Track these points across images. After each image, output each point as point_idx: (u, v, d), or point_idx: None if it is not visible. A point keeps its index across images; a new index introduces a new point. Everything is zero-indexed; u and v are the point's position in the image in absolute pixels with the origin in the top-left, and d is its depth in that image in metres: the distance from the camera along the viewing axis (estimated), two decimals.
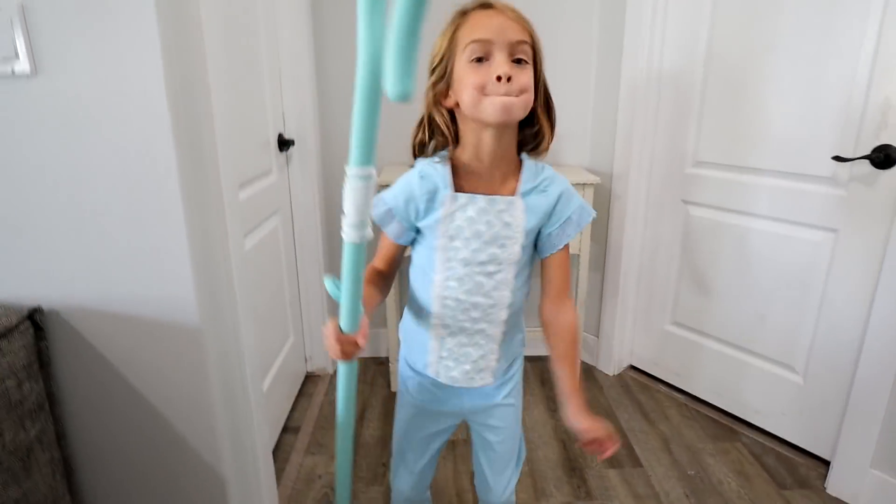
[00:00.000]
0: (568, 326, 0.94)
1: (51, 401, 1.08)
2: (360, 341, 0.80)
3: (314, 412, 2.00)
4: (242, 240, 1.29)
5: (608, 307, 2.22)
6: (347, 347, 0.81)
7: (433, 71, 0.85)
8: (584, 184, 1.92)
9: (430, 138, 0.90)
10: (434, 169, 0.89)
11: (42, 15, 0.89)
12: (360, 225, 0.69)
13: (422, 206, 0.89)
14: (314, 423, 1.93)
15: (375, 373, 2.26)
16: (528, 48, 0.80)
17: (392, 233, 0.93)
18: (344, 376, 0.90)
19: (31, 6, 0.89)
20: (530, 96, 0.81)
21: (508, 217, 0.88)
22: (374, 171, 0.63)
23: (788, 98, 1.62)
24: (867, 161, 1.46)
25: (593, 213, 0.93)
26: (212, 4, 1.07)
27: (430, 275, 0.93)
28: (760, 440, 1.82)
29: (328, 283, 0.79)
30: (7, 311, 0.99)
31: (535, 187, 0.89)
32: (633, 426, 1.90)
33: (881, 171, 1.45)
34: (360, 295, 0.78)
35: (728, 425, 1.90)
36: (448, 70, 0.83)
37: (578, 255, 2.01)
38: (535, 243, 0.94)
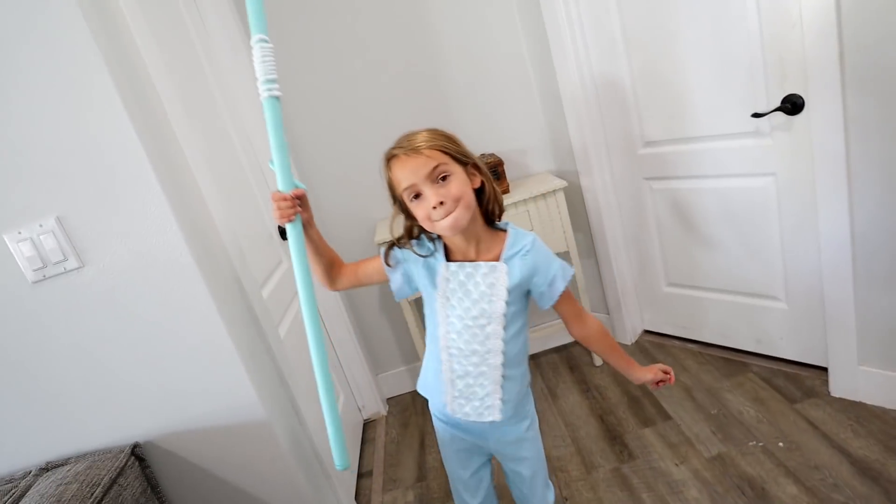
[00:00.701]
0: (596, 333, 1.17)
1: None
2: (292, 199, 1.00)
3: (380, 454, 2.25)
4: (276, 330, 1.54)
5: (609, 286, 2.45)
6: (283, 204, 1.00)
7: (394, 202, 1.09)
8: (554, 190, 2.15)
9: (410, 236, 1.14)
10: (431, 244, 1.12)
11: (75, 221, 1.15)
12: (269, 81, 0.95)
13: (424, 272, 1.12)
14: (383, 463, 2.18)
15: (424, 402, 2.50)
16: (443, 166, 0.99)
17: (395, 279, 1.16)
18: (292, 239, 1.03)
19: (64, 216, 1.14)
20: (468, 197, 1.02)
21: (492, 279, 1.07)
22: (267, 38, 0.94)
23: (702, 70, 1.84)
24: (780, 112, 1.68)
25: (572, 270, 1.13)
26: (197, 147, 1.34)
27: (436, 329, 1.14)
28: (768, 365, 2.04)
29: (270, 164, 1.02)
30: (115, 453, 1.24)
31: (517, 253, 1.08)
32: None
33: (793, 117, 1.67)
34: (287, 152, 1.01)
35: (738, 360, 2.12)
36: (403, 205, 1.07)
37: (567, 250, 2.23)
38: (530, 296, 1.13)
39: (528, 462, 1.26)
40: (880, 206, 1.54)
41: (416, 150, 0.99)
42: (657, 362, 2.22)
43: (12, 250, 1.14)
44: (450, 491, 1.91)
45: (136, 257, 1.18)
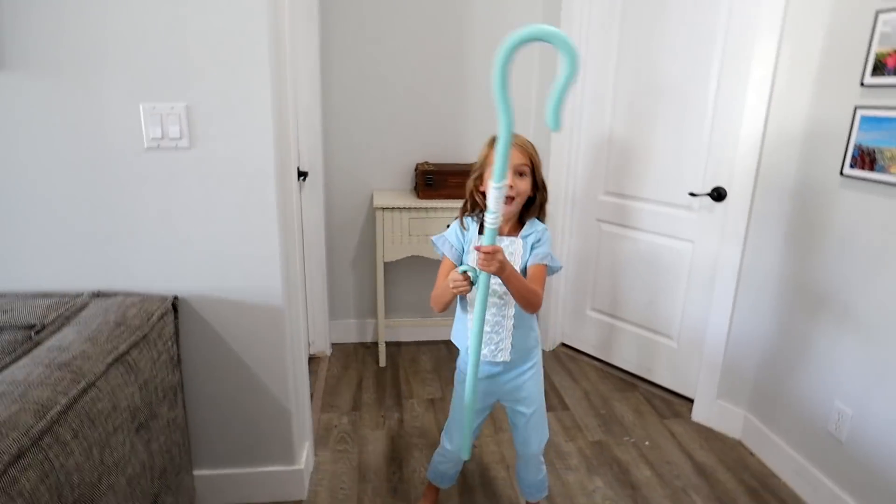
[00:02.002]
0: (536, 302, 1.41)
1: (180, 359, 1.62)
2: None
3: (321, 384, 2.57)
4: (302, 244, 1.87)
5: (545, 300, 2.91)
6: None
7: (475, 171, 1.44)
8: None
9: (472, 207, 1.47)
10: (472, 221, 1.48)
11: (197, 112, 1.45)
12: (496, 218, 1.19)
13: (465, 240, 1.47)
14: (322, 391, 2.50)
15: (365, 354, 2.85)
16: (526, 167, 1.38)
17: (450, 255, 1.47)
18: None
19: (192, 106, 1.44)
20: (524, 197, 1.40)
21: (512, 249, 1.43)
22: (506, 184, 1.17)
23: (664, 150, 2.37)
24: (708, 196, 2.21)
25: (561, 265, 1.50)
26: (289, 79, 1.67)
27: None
28: (651, 389, 2.56)
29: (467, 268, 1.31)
30: (160, 298, 1.53)
31: (531, 233, 1.45)
32: (564, 384, 2.59)
33: (716, 202, 2.20)
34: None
35: (630, 381, 2.63)
36: (482, 173, 1.41)
37: None
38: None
39: (527, 400, 1.54)
40: (758, 282, 2.09)
41: (519, 146, 1.36)
42: (568, 370, 2.71)
43: (142, 119, 1.42)
44: (379, 422, 2.27)
45: (234, 152, 1.49)
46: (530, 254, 1.45)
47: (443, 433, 1.67)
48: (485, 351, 1.46)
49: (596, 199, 2.68)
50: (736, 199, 2.11)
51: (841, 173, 1.72)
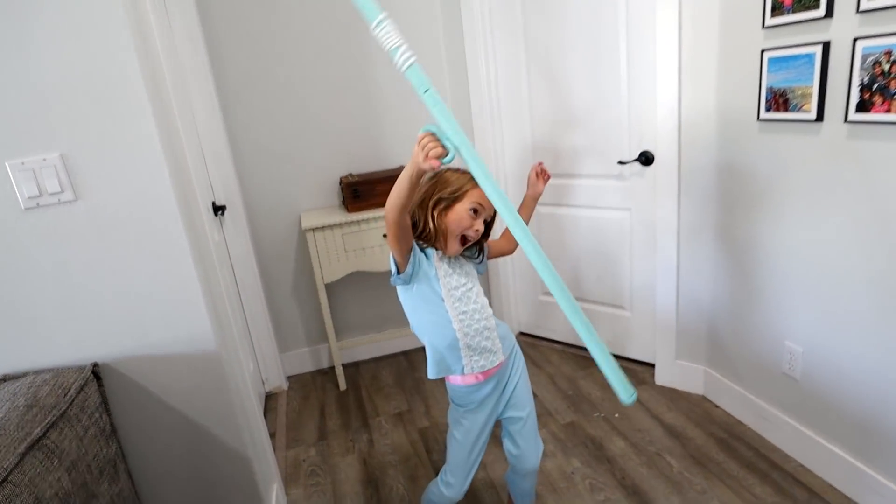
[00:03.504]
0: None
1: (114, 429, 1.49)
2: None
3: (282, 420, 2.45)
4: (221, 280, 1.76)
5: (495, 294, 2.89)
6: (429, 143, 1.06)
7: (443, 196, 1.32)
8: None
9: (420, 229, 1.36)
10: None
11: (76, 160, 1.33)
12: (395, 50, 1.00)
13: (424, 260, 1.35)
14: (286, 427, 2.39)
15: (324, 381, 2.75)
16: (491, 214, 1.36)
17: (416, 260, 1.34)
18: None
19: (68, 154, 1.32)
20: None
21: (464, 260, 1.42)
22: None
23: (588, 124, 2.37)
24: (637, 162, 2.23)
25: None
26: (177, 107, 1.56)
27: (441, 306, 1.35)
28: None
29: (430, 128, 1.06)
30: (77, 368, 1.40)
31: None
32: (528, 372, 2.56)
33: (645, 167, 2.22)
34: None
35: (591, 357, 2.63)
36: (453, 201, 1.32)
37: None
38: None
39: (522, 404, 1.50)
40: (697, 239, 2.12)
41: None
42: (530, 358, 2.69)
43: (12, 178, 1.28)
44: (349, 447, 2.19)
45: (126, 197, 1.37)
46: (482, 261, 1.47)
47: (439, 479, 1.56)
48: (482, 362, 1.39)
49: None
50: (664, 161, 2.13)
51: (758, 118, 1.75)
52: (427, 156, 1.04)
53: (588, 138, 2.38)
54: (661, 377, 2.36)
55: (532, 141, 2.58)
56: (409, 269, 1.33)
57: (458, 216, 1.32)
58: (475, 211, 1.31)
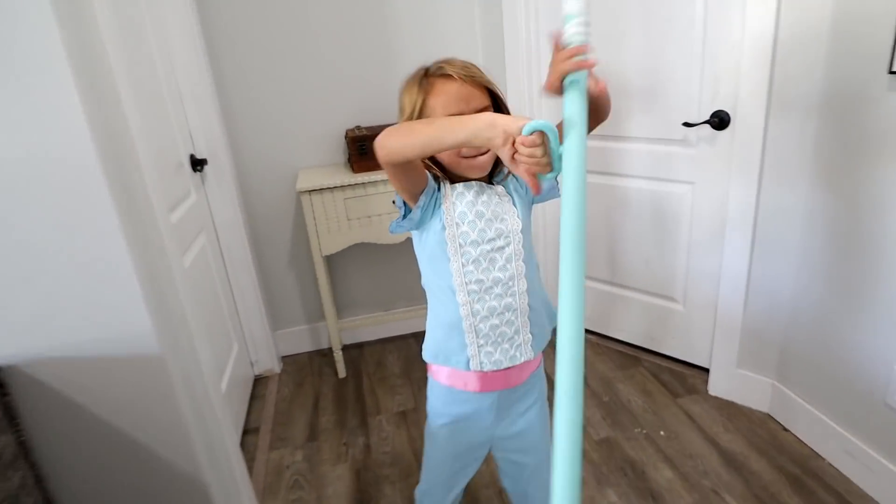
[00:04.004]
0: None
1: (26, 449, 1.17)
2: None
3: (269, 410, 2.14)
4: (181, 259, 1.40)
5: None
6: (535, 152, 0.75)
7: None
8: None
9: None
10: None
11: None
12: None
13: (429, 202, 0.95)
14: (272, 421, 2.08)
15: (322, 364, 2.42)
16: (489, 106, 0.93)
17: (421, 201, 0.94)
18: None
19: None
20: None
21: (499, 197, 0.98)
22: None
23: (645, 77, 1.91)
24: (707, 125, 1.77)
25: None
26: (114, 39, 1.17)
27: (447, 268, 0.97)
28: (657, 362, 2.18)
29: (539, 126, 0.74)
30: None
31: (501, 179, 1.01)
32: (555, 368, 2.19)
33: (718, 132, 1.77)
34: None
35: (632, 354, 2.25)
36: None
37: None
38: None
39: (533, 447, 1.12)
40: (782, 227, 1.68)
41: (473, 80, 0.91)
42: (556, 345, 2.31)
43: None
44: (342, 453, 1.87)
45: (27, 151, 1.01)
46: (523, 192, 1.02)
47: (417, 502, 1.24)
48: (497, 356, 1.01)
49: None
50: (744, 124, 1.67)
51: (890, 71, 1.29)
52: (522, 165, 0.76)
53: (646, 91, 1.92)
54: (717, 386, 1.97)
55: None
56: (416, 212, 0.95)
57: None
58: None
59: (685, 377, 2.08)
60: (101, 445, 1.23)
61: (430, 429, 1.14)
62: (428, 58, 1.03)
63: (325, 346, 2.53)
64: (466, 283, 0.97)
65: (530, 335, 1.02)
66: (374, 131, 2.10)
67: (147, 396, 1.22)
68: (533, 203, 1.06)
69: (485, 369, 1.02)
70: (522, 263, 0.99)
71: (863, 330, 1.49)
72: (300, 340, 2.51)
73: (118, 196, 1.09)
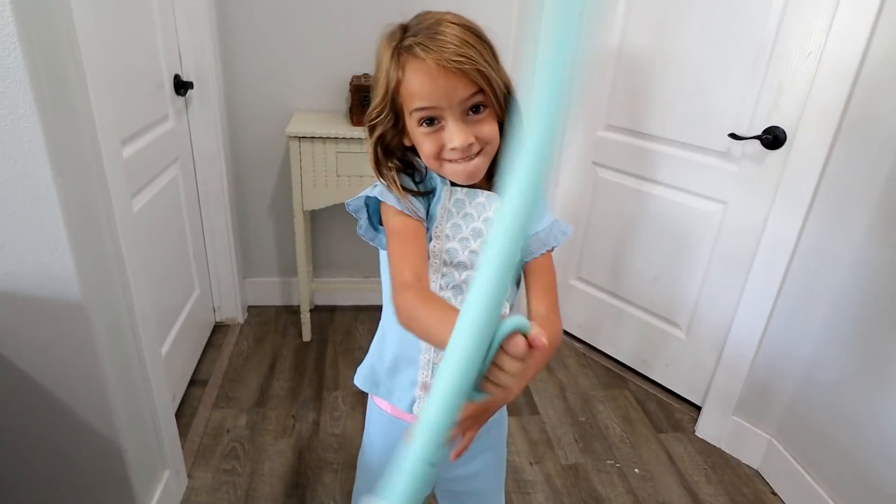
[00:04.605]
0: (555, 334, 0.80)
1: None
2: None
3: (223, 363, 1.98)
4: (130, 200, 1.21)
5: None
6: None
7: (376, 111, 0.74)
8: None
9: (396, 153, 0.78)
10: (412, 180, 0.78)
11: None
12: None
13: (424, 203, 0.77)
14: (223, 376, 1.92)
15: (287, 322, 2.25)
16: (481, 95, 0.69)
17: (407, 209, 0.73)
18: None
19: None
20: (495, 143, 0.73)
21: (490, 211, 0.79)
22: None
23: (694, 73, 1.67)
24: (758, 140, 1.55)
25: (571, 229, 0.86)
26: None
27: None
28: (645, 387, 2.00)
29: None
30: None
31: None
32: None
33: (769, 150, 1.54)
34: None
35: (619, 373, 2.07)
36: (398, 119, 0.74)
37: None
38: None
39: (483, 496, 0.96)
40: (821, 272, 1.47)
41: (457, 62, 0.66)
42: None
43: None
44: (287, 427, 1.71)
45: None
46: (539, 230, 0.82)
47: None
48: (415, 392, 0.84)
49: (593, 135, 2.00)
50: (802, 146, 1.45)
51: None
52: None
53: (691, 89, 1.69)
54: (706, 429, 1.80)
55: (615, 72, 1.88)
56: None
57: (417, 143, 0.74)
58: (429, 120, 0.71)
59: (672, 410, 1.90)
60: (7, 391, 1.07)
61: (363, 459, 0.96)
62: (451, 2, 0.80)
63: (295, 303, 2.35)
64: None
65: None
66: None
67: (63, 344, 1.06)
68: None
69: (405, 408, 0.85)
70: (505, 303, 0.80)
71: (885, 410, 1.30)
72: (270, 292, 2.34)
73: (46, 109, 0.89)
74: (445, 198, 0.78)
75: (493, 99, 0.71)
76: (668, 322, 1.93)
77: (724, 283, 1.73)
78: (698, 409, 1.86)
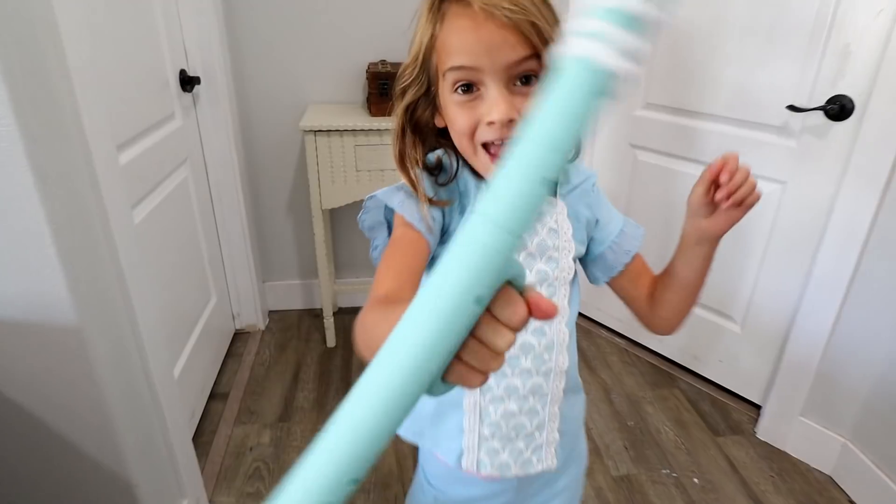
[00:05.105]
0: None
1: None
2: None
3: (244, 375, 1.88)
4: (129, 209, 1.09)
5: None
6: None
7: (408, 71, 0.61)
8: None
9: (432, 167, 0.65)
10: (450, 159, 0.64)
11: None
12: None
13: (448, 214, 0.64)
14: (244, 388, 1.82)
15: (310, 326, 2.15)
16: (534, 61, 0.55)
17: (417, 218, 0.60)
18: None
19: None
20: None
21: (552, 220, 0.67)
22: None
23: (744, 40, 1.50)
24: (821, 112, 1.38)
25: (643, 229, 0.76)
26: None
27: None
28: (697, 385, 1.85)
29: None
30: None
31: (576, 187, 0.69)
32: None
33: (834, 123, 1.38)
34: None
35: (667, 371, 1.92)
36: (430, 88, 0.61)
37: None
38: (585, 266, 0.75)
39: None
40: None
41: (509, 10, 0.52)
42: (581, 349, 1.98)
43: None
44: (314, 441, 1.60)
45: None
46: (610, 242, 0.73)
47: None
48: (504, 456, 0.71)
49: (630, 115, 1.84)
50: (876, 117, 1.28)
51: None
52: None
53: (742, 55, 1.52)
54: (767, 430, 1.64)
55: (649, 60, 1.71)
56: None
57: (449, 117, 0.60)
58: (465, 86, 0.57)
59: (729, 411, 1.75)
60: (2, 424, 0.97)
61: (416, 499, 0.83)
62: None
63: (318, 305, 2.24)
64: None
65: (557, 434, 0.72)
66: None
67: (60, 373, 0.96)
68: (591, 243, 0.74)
69: (483, 471, 0.71)
70: (566, 329, 0.70)
71: None
72: (292, 296, 2.23)
73: (23, 108, 0.78)
74: (473, 197, 0.64)
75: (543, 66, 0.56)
76: (720, 314, 1.78)
77: (785, 271, 1.57)
78: (758, 408, 1.71)
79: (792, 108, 1.42)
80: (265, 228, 2.10)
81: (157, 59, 1.48)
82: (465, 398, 0.69)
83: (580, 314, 2.22)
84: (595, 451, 1.59)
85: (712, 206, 0.64)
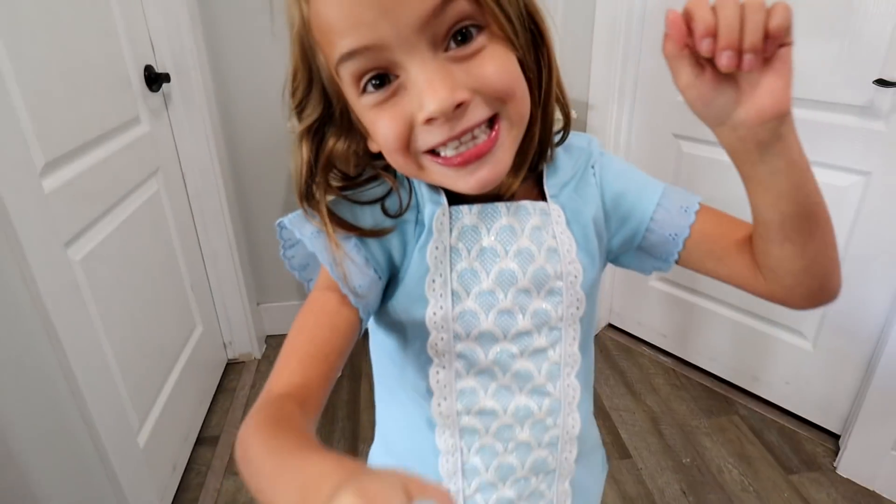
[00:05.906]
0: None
1: None
2: None
3: (237, 413, 1.65)
4: (61, 250, 0.86)
5: None
6: None
7: (292, 84, 0.45)
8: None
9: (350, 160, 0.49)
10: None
11: None
12: None
13: (396, 243, 0.47)
14: (237, 429, 1.58)
15: None
16: (466, 4, 0.37)
17: (341, 275, 0.44)
18: None
19: None
20: (516, 89, 0.40)
21: (550, 235, 0.48)
22: None
23: (814, 4, 1.25)
24: None
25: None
26: None
27: (423, 372, 0.51)
28: (759, 411, 1.60)
29: None
30: None
31: (575, 175, 0.50)
32: (618, 403, 1.64)
33: None
34: None
35: (723, 394, 1.67)
36: (332, 106, 0.44)
37: None
38: (621, 259, 0.56)
39: None
40: None
41: None
42: (621, 373, 1.76)
43: None
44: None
45: None
46: (611, 217, 0.52)
47: None
48: None
49: (672, 101, 1.58)
50: None
51: None
52: None
53: (818, 19, 1.26)
54: (852, 466, 1.39)
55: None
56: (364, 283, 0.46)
57: (369, 131, 0.43)
58: (376, 78, 0.39)
59: (800, 441, 1.50)
60: None
61: None
62: None
63: None
64: (459, 412, 0.51)
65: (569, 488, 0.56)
66: None
67: (40, 421, 0.73)
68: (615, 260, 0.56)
69: None
70: (577, 382, 0.53)
71: None
72: (290, 319, 1.96)
73: None
74: (441, 228, 0.46)
75: (495, 11, 0.38)
76: (785, 329, 1.52)
77: (869, 278, 1.31)
78: (835, 438, 1.46)
79: (881, 82, 1.17)
80: (257, 244, 1.86)
81: (112, 53, 1.24)
82: (443, 480, 0.52)
83: (616, 328, 1.96)
84: (647, 496, 1.34)
85: (725, 82, 0.37)
